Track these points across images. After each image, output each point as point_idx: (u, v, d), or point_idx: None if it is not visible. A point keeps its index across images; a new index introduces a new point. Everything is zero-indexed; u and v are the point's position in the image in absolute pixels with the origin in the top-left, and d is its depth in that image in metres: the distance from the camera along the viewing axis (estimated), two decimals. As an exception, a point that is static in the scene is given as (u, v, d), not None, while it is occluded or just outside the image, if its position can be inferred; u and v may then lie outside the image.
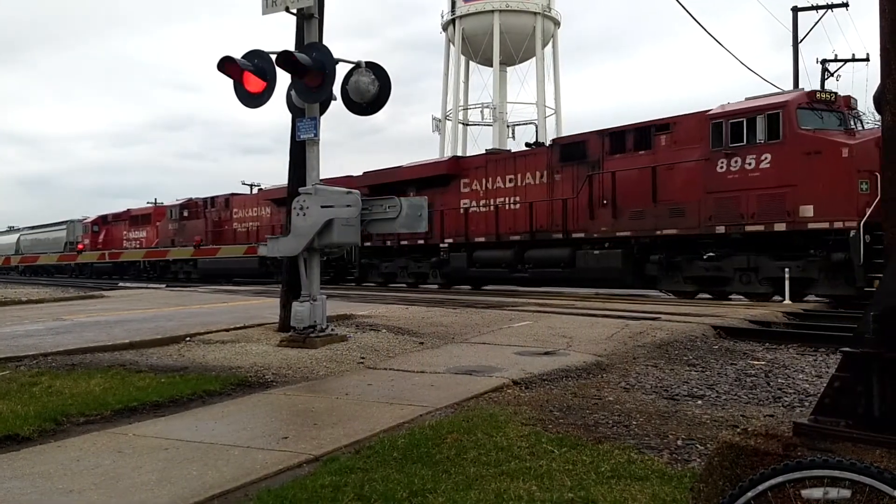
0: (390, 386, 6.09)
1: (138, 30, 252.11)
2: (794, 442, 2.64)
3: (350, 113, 8.80)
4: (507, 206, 19.56)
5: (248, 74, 8.17)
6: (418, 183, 21.47)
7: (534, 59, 50.02)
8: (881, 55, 2.88)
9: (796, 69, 27.24)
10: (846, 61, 30.33)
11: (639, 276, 16.46)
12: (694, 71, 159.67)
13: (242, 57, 8.21)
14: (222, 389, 6.12)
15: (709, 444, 4.06)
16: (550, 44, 51.10)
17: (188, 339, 9.01)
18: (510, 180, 19.58)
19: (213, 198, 32.01)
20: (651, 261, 16.00)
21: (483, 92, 54.66)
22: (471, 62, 51.92)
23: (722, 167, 14.51)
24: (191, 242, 30.79)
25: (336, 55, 8.25)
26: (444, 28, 52.21)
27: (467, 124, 53.17)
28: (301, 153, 8.95)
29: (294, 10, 8.70)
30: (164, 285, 27.19)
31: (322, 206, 8.31)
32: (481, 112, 52.12)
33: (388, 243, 22.83)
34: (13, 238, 50.87)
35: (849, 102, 14.28)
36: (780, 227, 13.65)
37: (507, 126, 50.50)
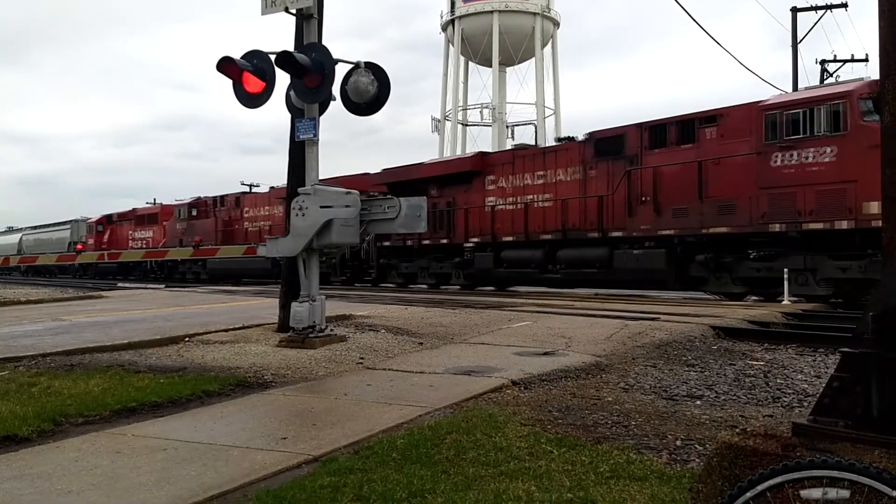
0: (389, 386, 6.09)
1: (138, 30, 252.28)
2: (793, 442, 2.64)
3: (349, 113, 8.81)
4: (536, 204, 18.70)
5: (247, 75, 8.18)
6: (440, 180, 20.93)
7: (533, 59, 50.08)
8: (880, 56, 2.88)
9: (795, 69, 27.26)
10: (845, 62, 30.37)
11: (682, 277, 15.74)
12: (694, 71, 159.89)
13: (241, 57, 8.21)
14: (221, 390, 6.11)
15: (708, 444, 4.05)
16: (550, 44, 51.17)
17: (187, 339, 9.00)
18: (539, 176, 18.74)
19: (222, 196, 31.24)
20: (697, 261, 15.23)
21: (482, 92, 54.94)
22: (470, 62, 52.01)
23: (777, 161, 13.73)
24: None
25: (335, 55, 8.25)
26: (444, 28, 52.26)
27: (466, 125, 53.26)
28: (300, 153, 8.95)
29: (293, 11, 8.71)
30: (163, 286, 27.15)
31: (321, 207, 8.31)
32: (480, 112, 52.27)
33: (409, 243, 21.87)
34: (15, 238, 50.65)
35: None
36: (842, 224, 12.83)
37: (507, 126, 50.50)
